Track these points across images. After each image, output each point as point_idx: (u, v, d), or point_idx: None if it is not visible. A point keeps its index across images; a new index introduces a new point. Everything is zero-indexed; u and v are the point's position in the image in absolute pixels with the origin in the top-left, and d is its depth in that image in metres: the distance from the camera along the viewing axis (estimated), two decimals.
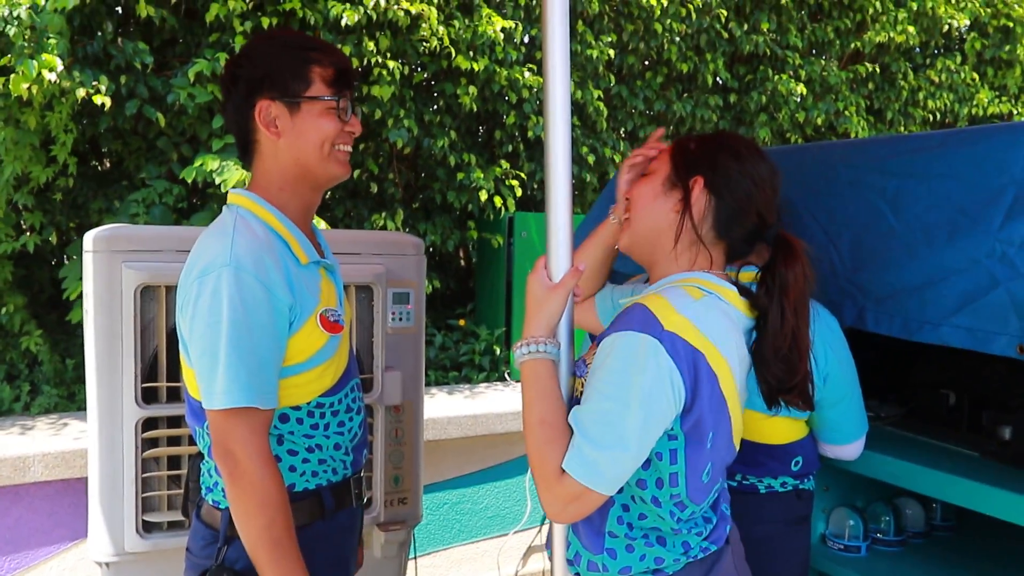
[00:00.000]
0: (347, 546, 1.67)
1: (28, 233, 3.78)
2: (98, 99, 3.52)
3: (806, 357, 1.43)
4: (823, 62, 6.30)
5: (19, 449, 2.85)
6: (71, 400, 3.72)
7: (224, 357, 1.36)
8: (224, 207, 1.53)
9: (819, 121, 6.11)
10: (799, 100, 6.01)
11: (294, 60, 1.48)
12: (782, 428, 1.87)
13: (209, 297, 1.37)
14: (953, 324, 1.66)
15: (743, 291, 1.41)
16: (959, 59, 6.83)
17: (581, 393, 1.34)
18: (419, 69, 4.84)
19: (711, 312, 1.32)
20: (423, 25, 4.43)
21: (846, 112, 6.18)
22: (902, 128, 6.58)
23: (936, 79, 6.71)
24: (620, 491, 1.33)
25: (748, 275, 1.46)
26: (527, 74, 4.80)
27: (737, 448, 1.45)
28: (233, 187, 3.50)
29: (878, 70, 6.52)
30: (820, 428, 1.94)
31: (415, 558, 3.05)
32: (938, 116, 6.78)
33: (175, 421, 2.10)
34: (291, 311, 1.44)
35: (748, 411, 1.73)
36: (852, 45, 6.45)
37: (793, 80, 5.98)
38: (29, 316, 3.87)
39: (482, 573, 3.86)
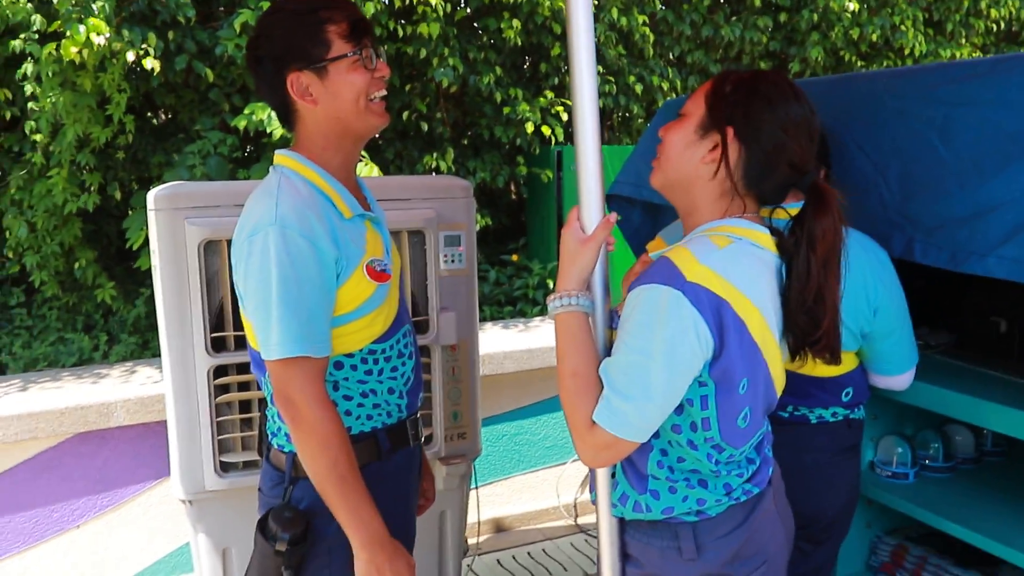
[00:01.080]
0: (406, 484, 1.76)
1: (89, 192, 3.92)
2: (147, 62, 3.60)
3: (832, 313, 1.40)
4: None
5: (102, 396, 3.02)
6: (145, 347, 3.91)
7: (276, 311, 1.45)
8: (271, 168, 1.60)
9: (874, 37, 5.88)
10: (853, 16, 5.78)
11: (308, 26, 1.51)
12: None
13: (259, 256, 1.45)
14: (999, 255, 1.64)
15: (774, 231, 1.40)
16: None
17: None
18: (462, 4, 4.80)
19: (739, 258, 1.33)
20: None
21: (902, 27, 5.93)
22: (963, 41, 6.30)
23: None
24: (657, 436, 1.37)
25: (795, 210, 1.42)
26: None
27: (779, 393, 1.46)
28: (279, 144, 3.58)
29: None
30: (870, 359, 1.95)
31: (476, 488, 3.17)
32: (1002, 25, 6.46)
33: (244, 368, 2.21)
34: (337, 263, 1.51)
35: None
36: None
37: None
38: (100, 269, 4.06)
39: (541, 501, 3.98)
